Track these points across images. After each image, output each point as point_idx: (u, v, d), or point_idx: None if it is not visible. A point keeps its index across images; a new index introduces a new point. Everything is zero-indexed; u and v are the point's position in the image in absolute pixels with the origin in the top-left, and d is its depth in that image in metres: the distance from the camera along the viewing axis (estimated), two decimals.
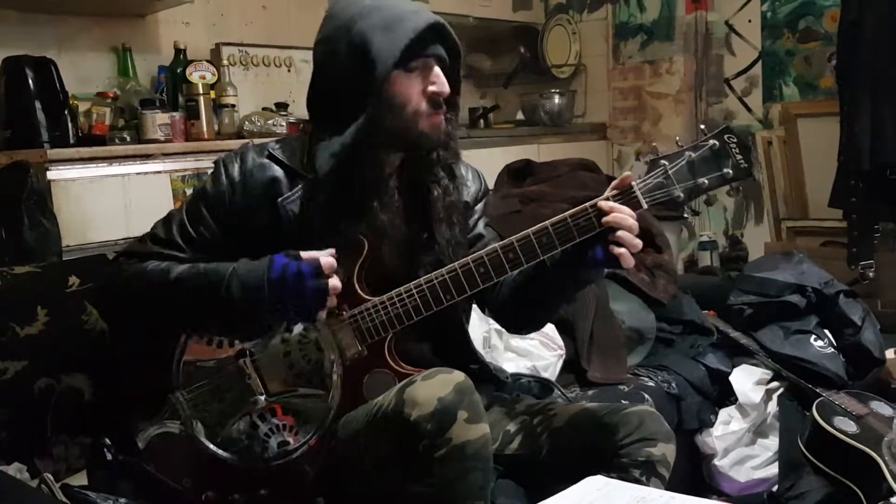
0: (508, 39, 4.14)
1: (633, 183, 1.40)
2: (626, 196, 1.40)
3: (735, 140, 1.41)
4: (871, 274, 2.84)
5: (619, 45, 4.11)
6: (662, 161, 1.40)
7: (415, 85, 1.45)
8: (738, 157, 1.40)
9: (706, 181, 1.40)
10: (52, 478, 1.43)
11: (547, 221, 1.40)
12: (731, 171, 1.41)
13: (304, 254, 1.38)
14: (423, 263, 1.49)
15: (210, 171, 1.54)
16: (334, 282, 1.38)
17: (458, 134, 1.56)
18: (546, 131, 3.89)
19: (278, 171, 1.49)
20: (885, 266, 2.92)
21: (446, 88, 1.46)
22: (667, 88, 3.98)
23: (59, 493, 1.40)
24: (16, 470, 1.53)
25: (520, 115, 4.07)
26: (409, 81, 1.44)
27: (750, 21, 3.68)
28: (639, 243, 1.38)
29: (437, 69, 1.46)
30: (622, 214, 1.38)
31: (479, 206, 1.67)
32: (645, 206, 1.40)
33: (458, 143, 1.56)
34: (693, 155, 1.40)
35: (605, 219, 1.38)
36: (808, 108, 3.49)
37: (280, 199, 1.47)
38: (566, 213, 1.41)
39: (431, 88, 1.45)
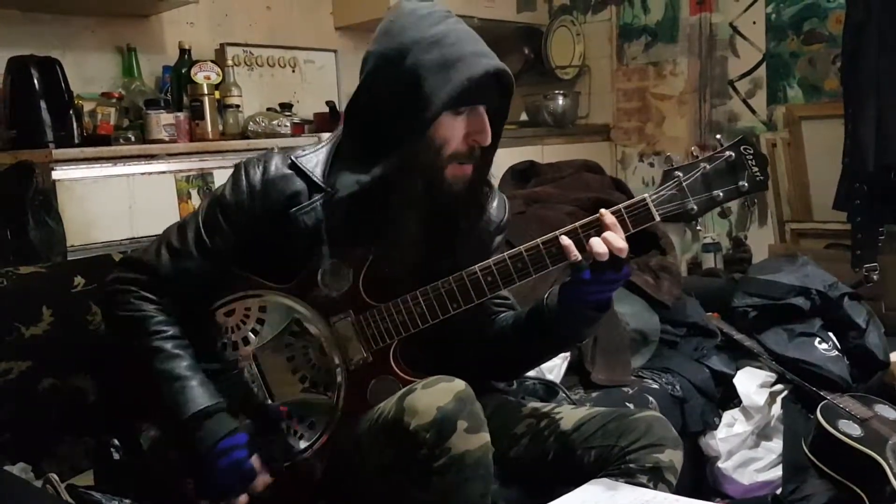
0: (512, 40, 4.14)
1: (647, 195, 1.37)
2: (638, 208, 1.37)
3: (752, 151, 1.37)
4: (875, 276, 2.84)
5: (623, 47, 4.11)
6: (677, 172, 1.37)
7: (459, 129, 1.40)
8: (755, 169, 1.37)
9: (721, 194, 1.37)
10: (56, 478, 1.44)
11: (556, 231, 1.39)
12: (746, 184, 1.37)
13: (255, 461, 1.40)
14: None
15: (231, 175, 1.49)
16: (243, 499, 1.39)
17: (492, 194, 1.53)
18: (550, 132, 3.89)
19: (300, 184, 1.45)
20: (889, 269, 2.91)
21: (489, 140, 1.42)
22: (671, 90, 3.98)
23: (64, 493, 1.41)
24: (21, 470, 1.53)
25: (523, 116, 4.07)
26: (455, 124, 1.39)
27: (754, 23, 3.67)
28: (624, 247, 1.34)
29: (484, 118, 1.41)
30: (612, 241, 1.33)
31: (498, 239, 1.63)
32: (658, 218, 1.37)
33: (490, 181, 1.52)
34: (708, 167, 1.37)
35: (595, 249, 1.33)
36: (813, 111, 3.48)
37: (293, 210, 1.44)
38: (577, 224, 1.38)
39: (476, 137, 1.41)
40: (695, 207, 1.37)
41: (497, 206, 1.61)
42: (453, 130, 1.39)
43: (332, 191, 1.44)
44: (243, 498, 1.40)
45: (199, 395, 1.40)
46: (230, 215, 1.45)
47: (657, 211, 1.37)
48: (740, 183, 1.37)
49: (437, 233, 1.44)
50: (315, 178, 1.46)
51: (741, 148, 1.38)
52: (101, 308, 1.61)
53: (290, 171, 1.47)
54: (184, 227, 1.49)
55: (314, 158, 1.49)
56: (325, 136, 1.59)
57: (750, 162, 1.37)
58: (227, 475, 1.38)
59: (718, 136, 1.45)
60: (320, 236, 1.44)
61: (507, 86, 1.44)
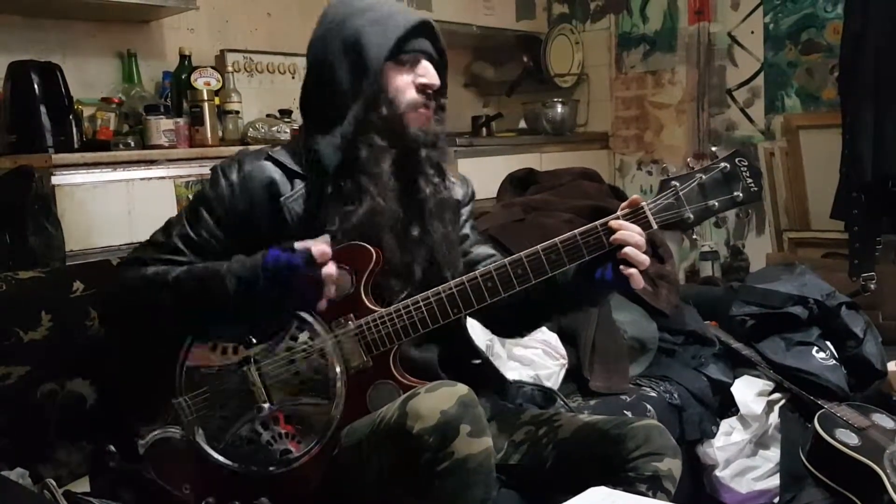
0: (511, 48, 4.16)
1: (644, 203, 1.41)
2: (636, 215, 1.41)
3: (746, 163, 1.42)
4: (872, 286, 2.84)
5: (621, 55, 4.12)
6: (673, 182, 1.41)
7: (405, 77, 1.50)
8: (749, 180, 1.41)
9: (716, 203, 1.41)
10: (54, 483, 1.43)
11: (556, 238, 1.41)
12: (741, 195, 1.41)
13: (299, 244, 1.39)
14: (417, 258, 1.51)
15: (209, 178, 1.54)
16: (328, 269, 1.38)
17: (445, 135, 1.59)
18: (548, 140, 3.90)
19: (277, 173, 1.51)
20: (886, 278, 2.92)
21: (436, 81, 1.52)
22: (669, 99, 3.99)
23: (61, 499, 1.40)
24: (18, 475, 1.52)
25: (522, 124, 4.08)
26: (400, 73, 1.50)
27: (752, 32, 3.69)
28: (646, 260, 1.38)
29: (426, 62, 1.52)
30: (629, 231, 1.38)
31: (465, 210, 1.69)
32: (655, 226, 1.40)
33: (446, 143, 1.59)
34: (704, 177, 1.41)
35: (613, 236, 1.38)
36: (811, 120, 3.49)
37: (282, 199, 1.48)
38: (576, 231, 1.41)
39: (421, 80, 1.50)
40: (691, 216, 1.41)
41: (459, 182, 1.68)
42: (401, 79, 1.49)
43: (313, 174, 1.49)
44: (328, 269, 1.37)
45: (218, 264, 1.41)
46: (213, 209, 1.49)
47: (654, 219, 1.40)
48: (735, 193, 1.42)
49: (409, 193, 1.51)
50: (292, 167, 1.51)
51: (736, 160, 1.42)
52: (108, 302, 1.58)
53: (265, 163, 1.52)
54: (168, 225, 1.53)
55: (287, 152, 1.55)
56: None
57: (744, 173, 1.42)
58: (291, 277, 1.36)
59: (714, 148, 1.47)
60: (313, 221, 1.47)
61: (437, 39, 1.54)
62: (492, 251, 1.68)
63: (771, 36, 3.63)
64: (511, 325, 1.67)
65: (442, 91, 1.56)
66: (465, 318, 1.67)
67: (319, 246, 1.38)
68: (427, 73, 1.51)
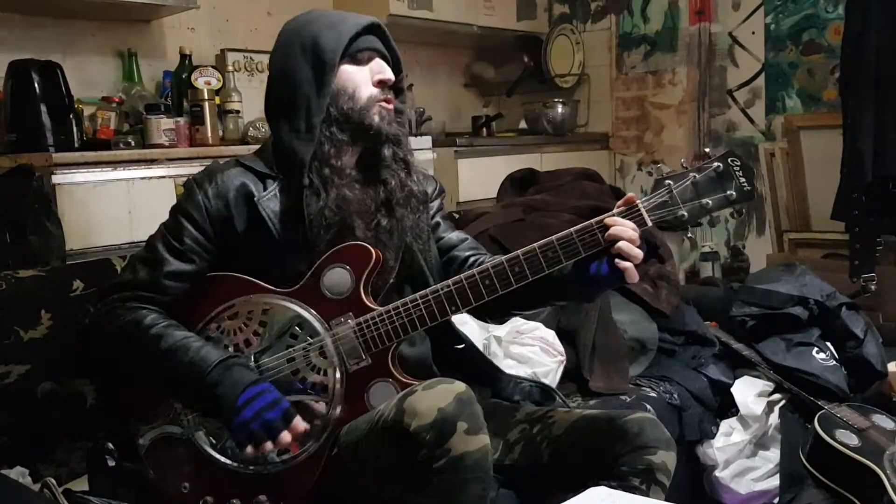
0: (512, 48, 4.16)
1: (638, 201, 1.43)
2: (631, 213, 1.42)
3: (738, 163, 1.43)
4: (872, 287, 2.84)
5: (622, 56, 4.12)
6: (667, 181, 1.43)
7: (363, 73, 1.56)
8: (742, 179, 1.43)
9: (710, 202, 1.42)
10: (54, 482, 1.43)
11: (553, 236, 1.42)
12: (734, 193, 1.43)
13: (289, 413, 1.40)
14: (390, 248, 1.55)
15: (182, 192, 1.57)
16: (286, 438, 1.39)
17: (407, 132, 1.65)
18: (549, 140, 3.90)
19: (249, 176, 1.54)
20: (886, 279, 2.92)
21: (391, 75, 1.57)
22: (669, 99, 3.99)
23: (61, 498, 1.40)
24: (18, 474, 1.53)
25: (522, 124, 4.09)
26: (358, 71, 1.55)
27: (753, 33, 3.69)
28: (639, 254, 1.40)
29: (379, 59, 1.58)
30: (623, 227, 1.40)
31: (435, 203, 1.73)
32: (650, 223, 1.42)
33: (409, 140, 1.64)
34: (697, 176, 1.42)
35: (607, 233, 1.40)
36: (811, 121, 3.49)
37: (256, 198, 1.51)
38: (572, 229, 1.43)
39: (377, 76, 1.56)
40: (685, 214, 1.42)
41: (424, 177, 1.71)
42: (358, 76, 1.55)
43: (286, 174, 1.53)
44: (286, 436, 1.39)
45: (214, 351, 1.42)
46: (190, 215, 1.51)
47: (649, 217, 1.42)
48: (728, 192, 1.43)
49: (376, 195, 1.55)
50: (262, 170, 1.55)
51: (728, 160, 1.43)
52: (91, 335, 1.56)
53: (237, 169, 1.56)
54: (151, 241, 1.54)
55: (257, 157, 1.60)
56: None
57: (737, 172, 1.43)
58: (266, 413, 1.38)
59: (707, 150, 1.49)
60: (288, 218, 1.50)
61: (386, 38, 1.61)
62: (464, 235, 1.73)
63: (772, 36, 3.63)
64: (500, 310, 1.68)
65: (399, 89, 1.63)
66: None
67: (300, 425, 1.40)
68: (382, 68, 1.57)
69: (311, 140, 1.51)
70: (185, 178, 2.40)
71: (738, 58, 3.75)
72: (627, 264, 1.39)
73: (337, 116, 1.53)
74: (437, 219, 1.72)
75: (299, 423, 1.40)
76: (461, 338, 1.74)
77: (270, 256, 1.50)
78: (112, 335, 1.47)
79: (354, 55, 1.55)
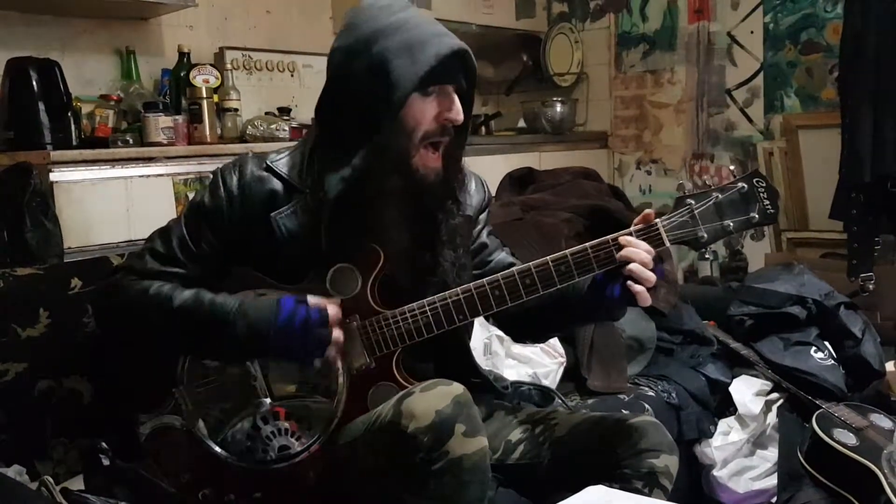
0: (511, 47, 4.15)
1: (658, 221, 1.39)
2: (649, 232, 1.39)
3: (764, 184, 1.39)
4: (871, 286, 2.84)
5: (621, 55, 4.12)
6: (689, 200, 1.39)
7: (430, 110, 1.41)
8: (766, 202, 1.39)
9: (731, 224, 1.39)
10: (51, 480, 1.43)
11: (567, 250, 1.40)
12: (756, 216, 1.39)
13: (311, 299, 1.37)
14: (429, 284, 1.48)
15: (208, 182, 1.51)
16: (337, 333, 1.38)
17: (463, 154, 1.54)
18: (547, 139, 3.90)
19: (277, 185, 1.47)
20: (885, 278, 2.92)
21: (460, 117, 1.44)
22: (668, 98, 3.98)
23: (58, 496, 1.40)
24: (15, 472, 1.52)
25: (521, 123, 4.08)
26: (425, 106, 1.41)
27: (752, 32, 3.69)
28: (652, 277, 1.36)
29: (453, 96, 1.43)
30: (636, 249, 1.37)
31: (482, 217, 1.66)
32: (668, 244, 1.39)
33: (463, 167, 1.54)
34: (720, 196, 1.39)
35: (619, 253, 1.37)
36: (810, 120, 3.49)
37: (273, 214, 1.45)
38: (587, 244, 1.40)
39: (447, 115, 1.42)
40: (705, 235, 1.39)
41: (475, 187, 1.64)
42: (424, 111, 1.40)
43: (311, 192, 1.45)
44: (332, 350, 1.38)
45: (227, 302, 1.40)
46: (212, 221, 1.47)
47: (668, 236, 1.39)
48: (751, 214, 1.39)
49: (419, 223, 1.46)
50: (291, 181, 1.47)
51: (754, 180, 1.40)
52: (99, 309, 1.56)
53: (265, 174, 1.48)
54: (167, 232, 1.50)
55: (289, 161, 1.50)
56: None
57: (762, 194, 1.39)
58: (303, 336, 1.36)
59: (732, 167, 1.45)
60: (302, 240, 1.44)
61: (471, 67, 1.46)
62: (511, 258, 1.65)
63: (770, 36, 3.63)
64: (527, 331, 1.66)
65: (467, 115, 1.48)
66: (469, 337, 1.67)
67: (335, 309, 1.38)
68: (454, 107, 1.42)
69: (350, 175, 1.40)
70: (183, 177, 2.42)
71: (736, 57, 3.75)
72: (640, 288, 1.36)
73: (389, 153, 1.40)
74: (483, 238, 1.65)
75: (334, 312, 1.37)
76: (479, 371, 1.66)
77: (277, 263, 1.47)
78: (122, 304, 1.45)
79: (426, 86, 1.39)
